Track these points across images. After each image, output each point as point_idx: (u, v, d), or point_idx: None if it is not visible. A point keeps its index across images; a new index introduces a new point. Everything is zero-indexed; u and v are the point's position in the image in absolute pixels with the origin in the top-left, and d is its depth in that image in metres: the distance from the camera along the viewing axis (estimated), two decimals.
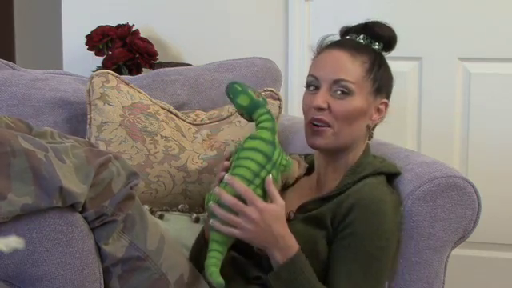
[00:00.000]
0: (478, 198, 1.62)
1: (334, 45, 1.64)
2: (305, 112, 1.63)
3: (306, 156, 1.72)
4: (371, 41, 1.65)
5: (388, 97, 1.67)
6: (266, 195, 1.49)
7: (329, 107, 1.58)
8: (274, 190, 1.48)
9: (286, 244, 1.48)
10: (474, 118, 2.64)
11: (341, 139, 1.60)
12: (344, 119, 1.58)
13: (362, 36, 1.66)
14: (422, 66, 2.66)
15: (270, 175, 1.49)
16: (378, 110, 1.64)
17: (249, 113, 1.55)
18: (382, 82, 1.63)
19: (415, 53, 2.65)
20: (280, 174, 1.52)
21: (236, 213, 1.46)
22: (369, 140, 1.67)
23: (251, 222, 1.45)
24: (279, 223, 1.47)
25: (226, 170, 1.53)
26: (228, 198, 1.46)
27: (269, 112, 1.55)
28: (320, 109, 1.58)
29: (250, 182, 1.48)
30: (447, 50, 2.64)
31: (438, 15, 2.63)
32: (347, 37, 1.68)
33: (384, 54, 1.67)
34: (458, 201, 1.60)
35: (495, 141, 2.63)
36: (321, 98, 1.58)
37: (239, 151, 1.52)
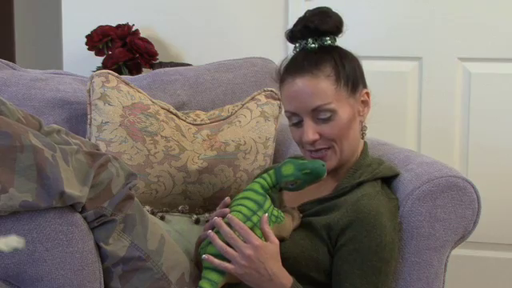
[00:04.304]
0: (478, 198, 1.62)
1: (293, 71, 1.59)
2: (297, 143, 1.63)
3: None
4: (322, 39, 1.60)
5: (365, 85, 1.64)
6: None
7: (320, 135, 1.58)
8: (268, 229, 1.48)
9: (280, 282, 1.47)
10: (474, 117, 2.64)
11: (345, 153, 1.61)
12: (340, 137, 1.58)
13: (310, 40, 1.60)
14: (422, 66, 2.65)
15: (266, 214, 1.49)
16: (363, 102, 1.63)
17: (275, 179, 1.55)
18: (353, 77, 1.60)
19: (415, 53, 2.64)
20: (273, 224, 1.51)
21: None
22: (364, 133, 1.66)
23: (246, 257, 1.45)
24: (273, 261, 1.47)
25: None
26: (227, 230, 1.47)
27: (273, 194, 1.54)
28: (313, 141, 1.57)
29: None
30: (447, 50, 2.64)
31: (439, 15, 2.63)
32: (296, 45, 1.63)
33: (337, 38, 1.62)
34: (458, 201, 1.59)
35: (495, 141, 2.63)
36: (310, 132, 1.57)
37: (232, 202, 1.54)
